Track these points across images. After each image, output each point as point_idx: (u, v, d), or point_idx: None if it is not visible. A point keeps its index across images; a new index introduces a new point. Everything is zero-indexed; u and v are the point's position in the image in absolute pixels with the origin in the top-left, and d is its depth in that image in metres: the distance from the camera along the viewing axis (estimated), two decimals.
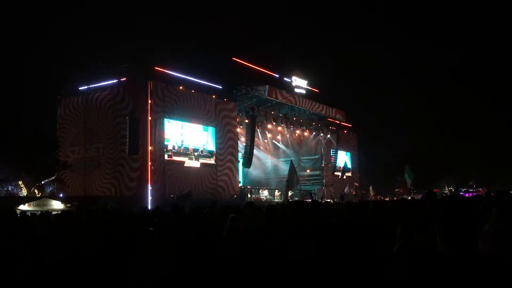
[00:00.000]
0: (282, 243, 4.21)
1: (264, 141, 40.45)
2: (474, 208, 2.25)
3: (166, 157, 26.22)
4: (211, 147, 29.39)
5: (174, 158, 26.85)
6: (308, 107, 36.82)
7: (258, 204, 15.16)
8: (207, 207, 7.26)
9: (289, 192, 27.99)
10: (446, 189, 45.72)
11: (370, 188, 39.28)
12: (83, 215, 8.66)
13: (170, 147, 26.63)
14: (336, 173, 42.23)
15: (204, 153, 28.98)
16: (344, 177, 42.67)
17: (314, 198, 22.04)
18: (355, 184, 43.31)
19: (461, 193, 41.35)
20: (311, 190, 34.20)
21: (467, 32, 74.76)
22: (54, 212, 12.76)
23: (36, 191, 25.28)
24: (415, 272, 2.40)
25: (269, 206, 5.18)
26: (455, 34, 75.44)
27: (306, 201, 5.61)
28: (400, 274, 2.75)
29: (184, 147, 27.50)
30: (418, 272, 2.34)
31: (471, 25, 74.23)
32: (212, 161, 29.19)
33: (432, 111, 64.52)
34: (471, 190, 44.12)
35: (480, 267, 2.03)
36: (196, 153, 28.37)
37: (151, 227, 5.49)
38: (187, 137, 27.79)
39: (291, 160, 25.95)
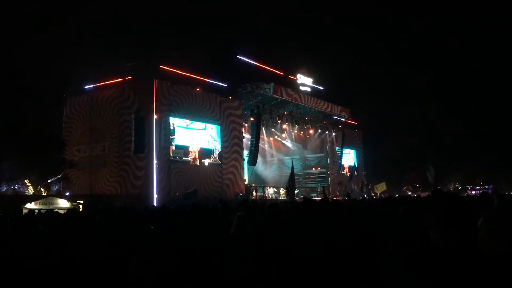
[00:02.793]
0: (290, 240, 4.23)
1: (269, 139, 40.46)
2: (474, 204, 2.27)
3: (175, 157, 26.30)
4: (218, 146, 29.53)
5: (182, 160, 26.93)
6: (313, 105, 36.75)
7: (263, 202, 15.15)
8: (211, 205, 7.28)
9: (288, 189, 28.25)
10: (452, 186, 45.60)
11: (379, 185, 39.27)
12: (89, 214, 8.71)
13: (176, 148, 26.69)
14: (342, 172, 42.25)
15: (216, 157, 29.21)
16: (356, 173, 42.68)
17: (325, 195, 21.99)
18: (362, 181, 43.28)
19: (468, 191, 41.28)
20: (323, 186, 34.19)
21: (480, 30, 74.32)
22: (57, 211, 12.82)
23: (42, 189, 25.42)
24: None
25: (271, 204, 5.19)
26: (465, 29, 75.08)
27: (314, 199, 5.64)
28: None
29: (182, 146, 27.35)
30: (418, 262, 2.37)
31: (486, 23, 73.78)
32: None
33: (440, 107, 64.28)
34: (477, 187, 44.00)
35: (477, 259, 2.03)
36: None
37: (157, 226, 5.52)
38: (194, 137, 27.92)
39: (291, 160, 26.34)
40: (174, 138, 26.67)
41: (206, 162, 28.72)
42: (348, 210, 5.99)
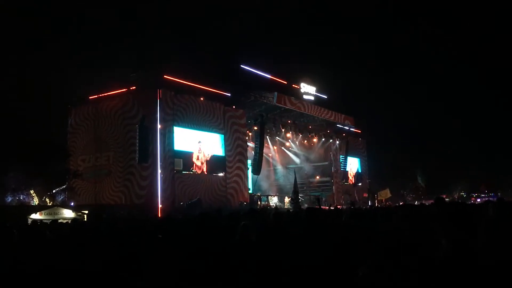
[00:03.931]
0: (293, 248, 4.25)
1: (273, 148, 40.47)
2: (476, 211, 2.30)
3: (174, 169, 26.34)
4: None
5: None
6: (317, 114, 36.79)
7: (269, 211, 15.16)
8: (214, 214, 7.33)
9: (292, 199, 28.28)
10: (457, 194, 45.39)
11: (383, 192, 39.18)
12: (94, 223, 8.74)
13: (176, 154, 26.72)
14: (345, 182, 42.12)
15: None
16: (360, 184, 42.56)
17: (321, 204, 21.95)
18: (368, 189, 43.17)
19: (472, 199, 41.11)
20: (318, 196, 34.12)
21: (481, 30, 74.36)
22: (63, 221, 12.88)
23: (47, 200, 25.48)
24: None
25: (276, 212, 5.23)
26: (466, 31, 75.02)
27: (317, 208, 5.66)
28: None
29: (184, 152, 27.33)
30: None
31: (486, 23, 73.79)
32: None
33: (444, 115, 64.19)
34: (482, 195, 43.80)
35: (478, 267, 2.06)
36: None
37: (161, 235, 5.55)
38: (201, 140, 28.07)
39: (294, 170, 26.45)
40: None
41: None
42: (352, 219, 6.00)
